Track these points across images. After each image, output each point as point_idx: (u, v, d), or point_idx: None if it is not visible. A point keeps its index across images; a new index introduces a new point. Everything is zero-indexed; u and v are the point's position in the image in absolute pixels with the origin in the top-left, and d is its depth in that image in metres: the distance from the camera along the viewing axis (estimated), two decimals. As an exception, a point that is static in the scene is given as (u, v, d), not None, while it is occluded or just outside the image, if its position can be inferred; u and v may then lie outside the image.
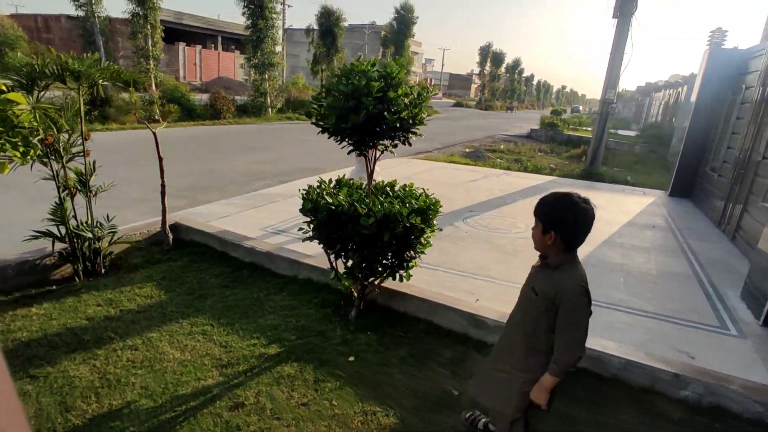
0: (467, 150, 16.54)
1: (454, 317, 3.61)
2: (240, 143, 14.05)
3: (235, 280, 4.19)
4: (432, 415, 2.70)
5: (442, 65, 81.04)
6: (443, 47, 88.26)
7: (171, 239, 4.66)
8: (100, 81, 3.53)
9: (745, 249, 5.77)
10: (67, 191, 3.73)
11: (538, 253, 1.99)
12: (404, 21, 32.37)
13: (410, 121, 2.99)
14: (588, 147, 17.95)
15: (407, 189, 3.43)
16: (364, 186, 3.65)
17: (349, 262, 3.27)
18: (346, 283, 3.39)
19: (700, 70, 9.21)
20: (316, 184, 3.42)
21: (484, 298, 3.99)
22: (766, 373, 3.21)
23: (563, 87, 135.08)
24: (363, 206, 2.85)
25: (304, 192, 3.23)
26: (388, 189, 3.44)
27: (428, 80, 77.68)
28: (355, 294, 3.53)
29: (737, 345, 3.59)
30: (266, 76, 20.51)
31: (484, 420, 2.55)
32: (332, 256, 3.36)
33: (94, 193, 3.93)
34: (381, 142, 3.02)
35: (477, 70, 56.50)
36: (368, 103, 2.71)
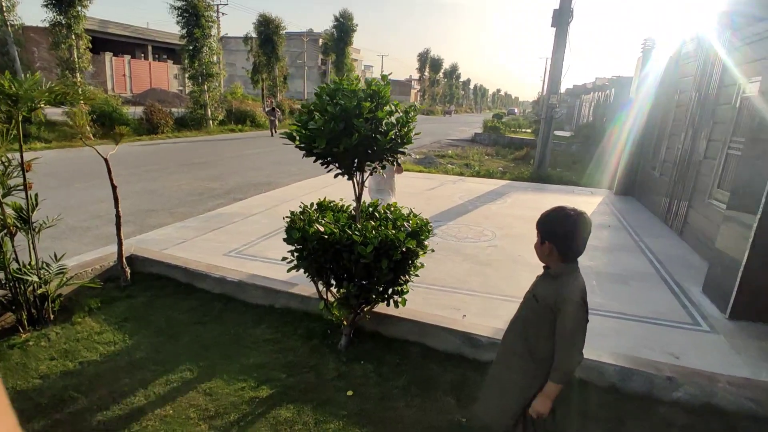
0: (417, 157, 16.69)
1: (447, 337, 3.51)
2: (182, 159, 13.30)
3: (206, 314, 3.86)
4: (445, 448, 2.58)
5: (382, 72, 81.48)
6: (381, 53, 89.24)
7: (129, 274, 4.22)
8: (42, 104, 3.11)
9: (695, 244, 6.15)
10: (5, 231, 3.25)
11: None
12: (344, 29, 32.34)
13: (399, 141, 2.86)
14: (529, 149, 18.88)
15: (393, 210, 3.30)
16: (347, 208, 3.47)
17: (340, 290, 3.08)
18: (337, 313, 3.19)
19: (635, 75, 9.81)
20: (298, 210, 3.21)
21: (470, 314, 3.94)
22: (744, 366, 3.38)
23: (498, 90, 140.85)
24: (357, 233, 2.68)
25: (288, 219, 3.01)
26: (371, 210, 3.29)
27: (368, 87, 78.03)
28: (345, 322, 3.34)
29: (712, 340, 3.76)
30: (205, 87, 19.61)
31: None
32: (320, 285, 3.15)
33: (37, 230, 3.46)
34: (369, 163, 2.87)
35: (416, 75, 57.54)
36: (360, 125, 2.55)
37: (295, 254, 3.08)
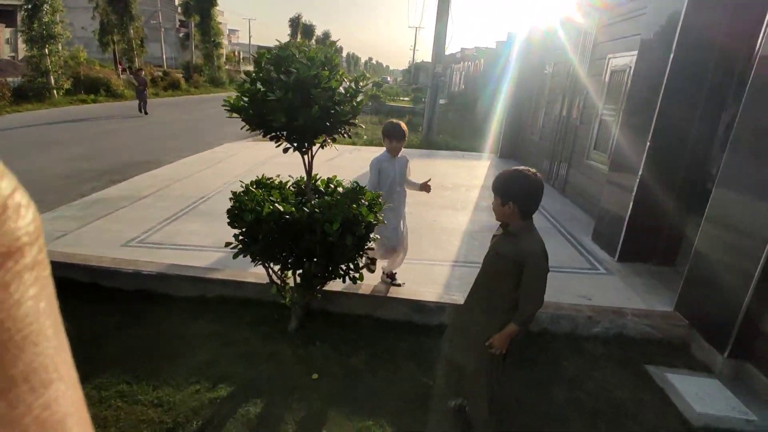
0: (306, 127, 16.23)
1: (397, 307, 3.58)
2: (34, 138, 11.12)
3: (127, 315, 3.37)
4: (421, 411, 2.66)
5: (249, 37, 76.28)
6: (248, 17, 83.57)
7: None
8: None
9: (575, 199, 7.05)
10: None
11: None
12: (208, -13, 29.39)
13: (351, 113, 2.73)
14: (411, 116, 19.59)
15: (336, 183, 3.18)
16: (285, 184, 3.26)
17: (295, 272, 2.92)
18: (293, 296, 3.02)
19: (513, 48, 10.63)
20: (240, 189, 2.92)
21: (409, 282, 4.04)
22: (639, 299, 4.03)
23: (370, 59, 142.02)
24: (318, 211, 2.54)
25: (235, 202, 2.72)
26: (321, 186, 3.14)
27: (236, 53, 72.78)
28: (285, 301, 3.18)
29: (610, 281, 4.40)
30: (46, 50, 16.39)
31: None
32: (275, 269, 2.95)
33: None
34: (325, 136, 2.70)
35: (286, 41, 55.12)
36: (319, 96, 2.37)
37: (242, 238, 2.82)
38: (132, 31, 22.47)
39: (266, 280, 3.55)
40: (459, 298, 3.52)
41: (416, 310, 3.59)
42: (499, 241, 2.21)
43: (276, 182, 3.21)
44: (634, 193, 4.57)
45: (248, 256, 2.85)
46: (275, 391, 2.70)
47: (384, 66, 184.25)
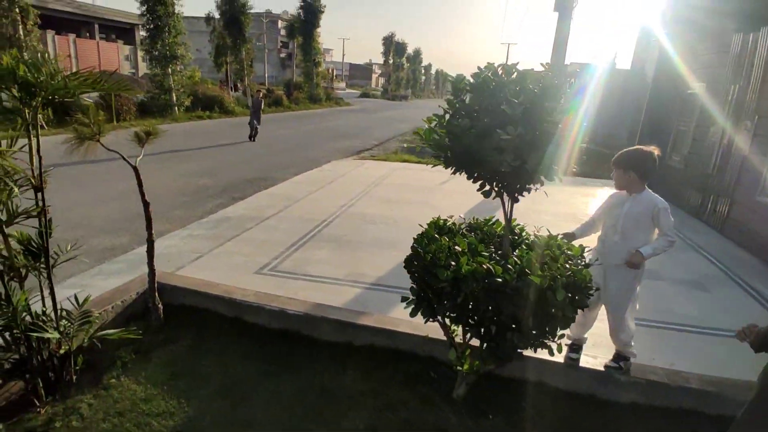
0: (405, 146, 15.99)
1: (579, 377, 2.93)
2: (157, 152, 11.97)
3: (273, 361, 3.07)
4: None
5: (343, 55, 79.42)
6: (343, 37, 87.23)
7: (161, 311, 3.34)
8: (65, 95, 2.19)
9: (736, 237, 5.89)
10: (12, 274, 2.35)
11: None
12: (311, 9, 30.76)
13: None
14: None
15: (547, 236, 2.61)
16: (460, 227, 2.77)
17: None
18: (476, 363, 2.50)
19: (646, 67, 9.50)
20: (423, 227, 2.50)
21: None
22: None
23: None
24: (539, 274, 2.01)
25: (418, 249, 2.29)
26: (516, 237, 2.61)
27: (329, 70, 76.10)
28: (464, 367, 2.66)
29: None
30: (169, 70, 17.92)
31: None
32: (455, 330, 2.47)
33: (53, 264, 2.56)
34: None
35: (378, 59, 56.51)
36: (549, 134, 1.87)
37: (422, 294, 2.37)
38: (244, 53, 23.98)
39: (420, 331, 3.11)
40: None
41: (600, 380, 2.91)
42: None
43: (449, 224, 2.74)
44: None
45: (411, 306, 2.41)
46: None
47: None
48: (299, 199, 7.34)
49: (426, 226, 2.64)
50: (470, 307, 2.11)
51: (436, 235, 2.39)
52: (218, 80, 28.05)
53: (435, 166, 2.49)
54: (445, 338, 2.65)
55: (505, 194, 2.27)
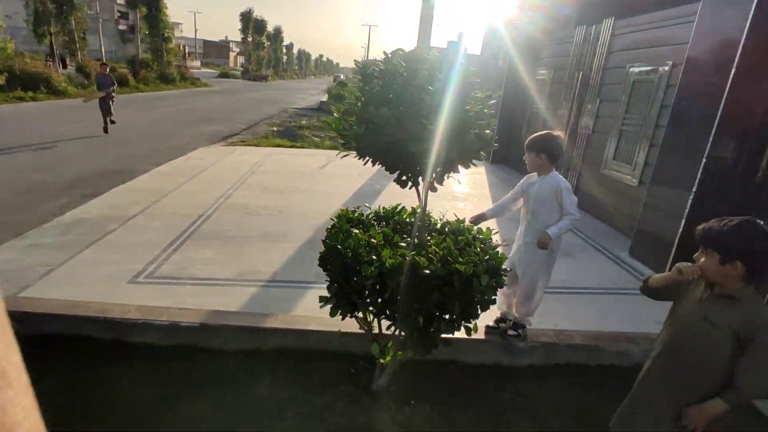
0: (275, 129, 15.37)
1: (486, 350, 3.15)
2: (-36, 142, 9.65)
3: (172, 383, 2.70)
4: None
5: (195, 31, 72.67)
6: (194, 10, 79.80)
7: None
8: None
9: (592, 210, 6.92)
10: None
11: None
12: (156, -24, 27.43)
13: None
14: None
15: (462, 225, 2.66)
16: (368, 217, 2.73)
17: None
18: (398, 354, 2.50)
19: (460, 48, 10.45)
20: (332, 228, 2.37)
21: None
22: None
23: (320, 56, 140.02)
24: (461, 262, 2.06)
25: (335, 245, 2.18)
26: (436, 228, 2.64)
27: (181, 47, 69.15)
28: (386, 359, 2.67)
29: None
30: (-29, 40, 14.46)
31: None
32: (373, 322, 2.43)
33: None
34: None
35: (235, 36, 53.16)
36: (471, 119, 1.89)
37: (341, 291, 2.28)
38: (73, 22, 20.41)
39: (332, 327, 3.03)
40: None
41: (502, 349, 3.17)
42: (707, 306, 1.80)
43: (356, 215, 2.68)
44: (687, 210, 4.42)
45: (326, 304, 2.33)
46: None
47: (334, 63, 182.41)
48: (168, 192, 6.57)
49: (335, 219, 2.54)
50: (397, 300, 2.09)
51: (351, 229, 2.31)
52: (43, 54, 23.52)
53: (344, 156, 2.39)
54: (360, 331, 2.62)
55: (421, 184, 2.27)
